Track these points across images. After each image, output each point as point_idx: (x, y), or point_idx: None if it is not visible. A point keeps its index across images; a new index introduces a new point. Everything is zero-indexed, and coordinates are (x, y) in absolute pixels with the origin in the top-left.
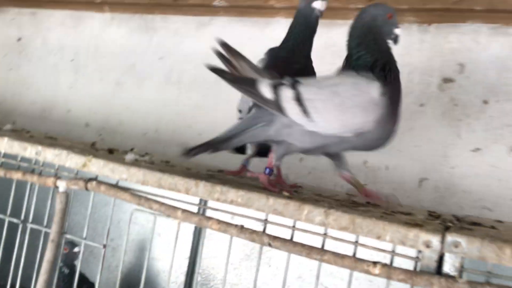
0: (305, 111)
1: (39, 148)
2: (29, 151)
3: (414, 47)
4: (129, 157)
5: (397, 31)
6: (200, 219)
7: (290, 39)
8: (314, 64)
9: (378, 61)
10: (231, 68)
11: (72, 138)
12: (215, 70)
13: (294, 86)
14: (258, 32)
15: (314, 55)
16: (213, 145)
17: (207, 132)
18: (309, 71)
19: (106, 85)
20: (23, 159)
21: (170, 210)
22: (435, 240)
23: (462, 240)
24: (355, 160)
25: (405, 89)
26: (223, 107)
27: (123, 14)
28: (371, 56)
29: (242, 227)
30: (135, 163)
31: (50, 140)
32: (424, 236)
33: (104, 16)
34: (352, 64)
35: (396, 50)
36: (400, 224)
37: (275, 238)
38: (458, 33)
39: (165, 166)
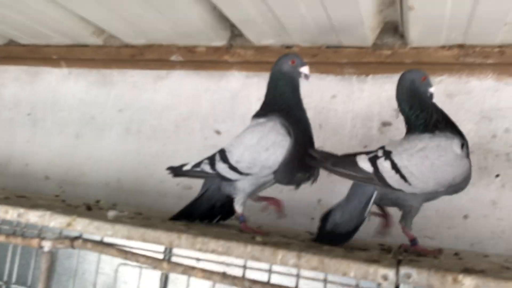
0: (404, 178)
1: (21, 210)
2: (11, 213)
3: (355, 96)
4: (111, 214)
5: (431, 89)
6: (185, 268)
7: (287, 98)
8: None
9: (434, 116)
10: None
11: (31, 192)
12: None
13: (388, 156)
14: (213, 85)
15: None
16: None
17: (168, 180)
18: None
19: (65, 137)
20: (4, 222)
21: (155, 262)
22: (391, 273)
23: (412, 271)
24: (309, 198)
25: (350, 133)
26: (183, 154)
27: (80, 69)
28: (426, 114)
29: (224, 274)
30: (118, 220)
31: (24, 200)
32: (382, 270)
33: (62, 71)
34: (415, 125)
35: (340, 99)
36: (362, 261)
37: (255, 282)
38: (392, 83)
39: (143, 219)
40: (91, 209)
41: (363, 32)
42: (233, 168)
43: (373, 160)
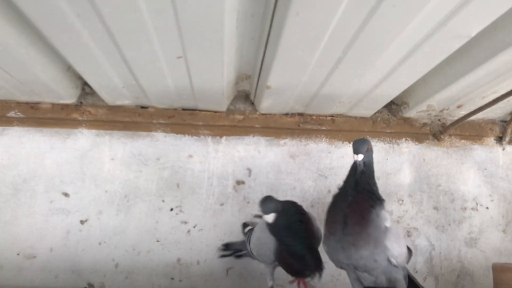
0: None
1: None
2: None
3: (211, 156)
4: None
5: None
6: None
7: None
8: (122, 171)
9: None
10: None
11: None
12: None
13: None
14: (59, 143)
15: (121, 162)
16: None
17: (6, 250)
18: None
19: None
20: None
21: None
22: None
23: None
24: (168, 259)
25: (207, 192)
26: (25, 220)
27: None
28: None
29: None
30: None
31: None
32: None
33: None
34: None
35: (197, 158)
36: None
37: None
38: (244, 144)
39: None
40: None
41: (221, 100)
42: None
43: None
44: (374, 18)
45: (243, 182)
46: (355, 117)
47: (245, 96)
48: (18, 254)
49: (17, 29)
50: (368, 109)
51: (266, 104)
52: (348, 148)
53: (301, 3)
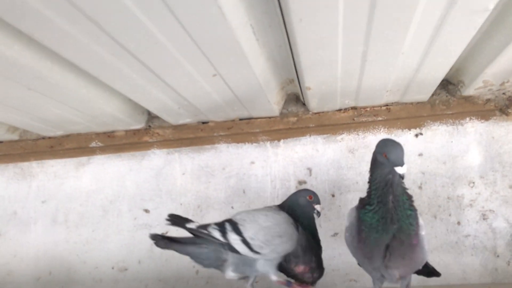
0: None
1: None
2: None
3: (271, 160)
4: None
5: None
6: None
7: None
8: (193, 184)
9: None
10: None
11: None
12: None
13: None
14: (136, 164)
15: (191, 175)
16: None
17: (103, 265)
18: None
19: None
20: None
21: None
22: None
23: None
24: None
25: (271, 195)
26: (114, 238)
27: None
28: None
29: None
30: None
31: None
32: None
33: None
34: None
35: (259, 164)
36: None
37: None
38: (301, 145)
39: None
40: None
41: (269, 106)
42: (246, 243)
43: None
44: (378, 9)
45: (305, 182)
46: (411, 103)
47: (295, 99)
48: (112, 268)
49: (74, 73)
50: (421, 93)
51: (315, 104)
52: (409, 135)
53: (300, 10)
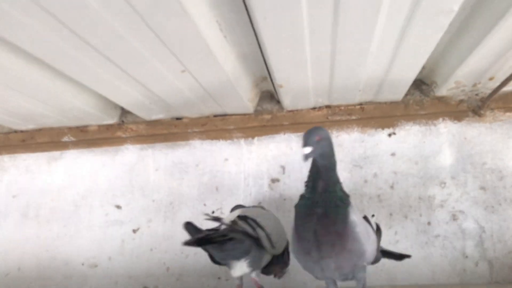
0: None
1: None
2: None
3: (245, 157)
4: None
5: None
6: None
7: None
8: (166, 180)
9: None
10: None
11: None
12: None
13: None
14: (109, 160)
15: (164, 172)
16: None
17: (73, 261)
18: None
19: None
20: None
21: None
22: None
23: None
24: None
25: (244, 193)
26: (85, 234)
27: None
28: None
29: None
30: None
31: None
32: None
33: None
34: None
35: (232, 161)
36: None
37: None
38: (275, 142)
39: None
40: None
41: (244, 103)
42: (269, 239)
43: None
44: (342, 9)
45: (278, 180)
46: (385, 102)
47: (270, 96)
48: (82, 264)
49: (38, 66)
50: (395, 93)
51: (288, 101)
52: (382, 134)
53: (263, 8)
